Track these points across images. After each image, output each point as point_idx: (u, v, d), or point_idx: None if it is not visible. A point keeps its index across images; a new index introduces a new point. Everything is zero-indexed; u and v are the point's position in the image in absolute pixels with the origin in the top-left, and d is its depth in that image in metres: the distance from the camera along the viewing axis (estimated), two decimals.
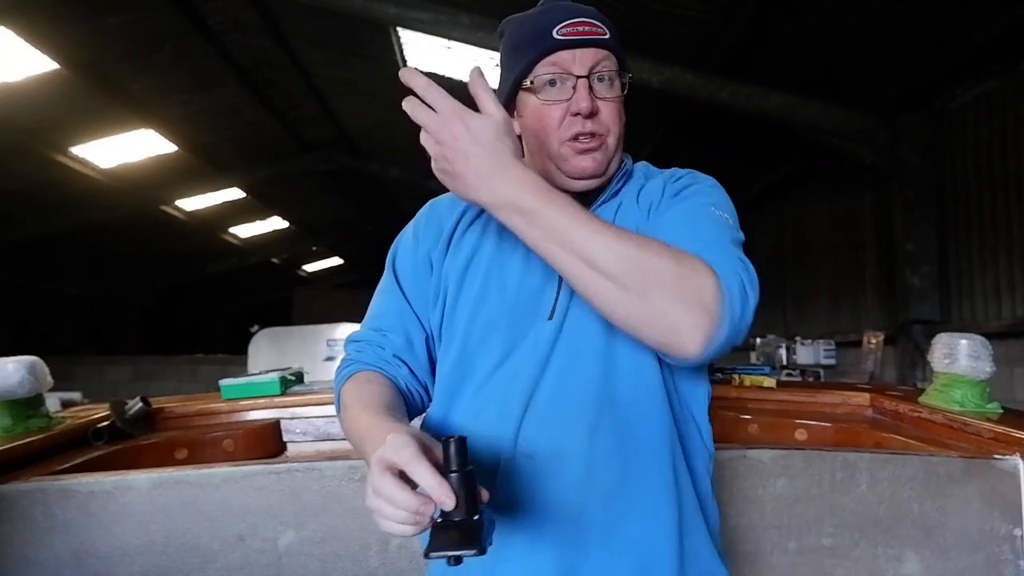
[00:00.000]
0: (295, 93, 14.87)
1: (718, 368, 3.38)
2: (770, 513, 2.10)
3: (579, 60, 1.51)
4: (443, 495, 1.06)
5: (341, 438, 2.65)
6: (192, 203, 18.99)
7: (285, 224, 23.94)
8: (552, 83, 1.53)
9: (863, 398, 2.88)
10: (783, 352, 11.99)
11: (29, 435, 2.34)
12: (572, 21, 1.52)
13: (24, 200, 15.41)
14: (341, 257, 31.32)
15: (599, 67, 1.52)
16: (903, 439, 2.38)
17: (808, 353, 11.71)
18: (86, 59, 11.16)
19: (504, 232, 1.53)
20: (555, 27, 1.52)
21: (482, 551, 1.07)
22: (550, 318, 1.48)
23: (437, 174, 1.31)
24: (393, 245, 1.76)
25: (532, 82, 1.55)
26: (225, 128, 15.33)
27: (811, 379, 10.38)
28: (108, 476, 2.05)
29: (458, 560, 1.07)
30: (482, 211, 1.60)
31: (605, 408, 1.44)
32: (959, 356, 2.43)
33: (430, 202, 1.78)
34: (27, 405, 2.43)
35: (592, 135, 1.52)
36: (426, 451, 1.13)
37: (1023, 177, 8.96)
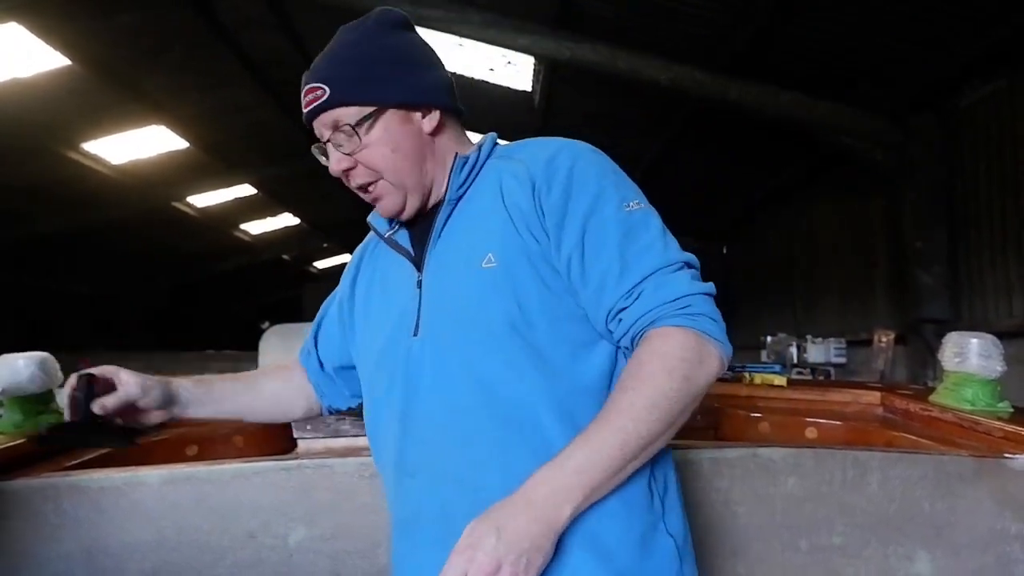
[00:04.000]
0: None
1: (729, 366, 3.38)
2: (780, 512, 2.10)
3: (321, 127, 1.56)
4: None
5: (352, 435, 2.66)
6: (203, 200, 19.05)
7: (296, 221, 23.99)
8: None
9: (874, 397, 2.87)
10: (794, 350, 12.02)
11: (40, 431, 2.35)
12: (303, 91, 1.56)
13: (36, 196, 15.45)
14: (351, 254, 31.30)
15: (338, 127, 1.53)
16: (914, 438, 2.38)
17: (819, 351, 11.73)
18: (98, 56, 11.19)
19: (386, 261, 1.69)
20: (302, 102, 1.57)
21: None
22: (415, 334, 1.50)
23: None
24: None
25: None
26: (237, 125, 15.35)
27: (822, 377, 10.40)
28: (119, 472, 2.06)
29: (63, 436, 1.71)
30: (378, 246, 1.78)
31: (480, 418, 1.42)
32: (970, 355, 2.43)
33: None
34: (38, 401, 2.44)
35: (365, 188, 1.60)
36: (106, 382, 1.62)
37: None
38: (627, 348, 1.44)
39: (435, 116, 1.59)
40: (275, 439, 2.85)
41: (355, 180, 1.59)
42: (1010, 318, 9.25)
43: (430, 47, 1.65)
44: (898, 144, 9.86)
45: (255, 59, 12.94)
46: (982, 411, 2.36)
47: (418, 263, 1.57)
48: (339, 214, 24.73)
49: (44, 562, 1.97)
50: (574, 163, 1.49)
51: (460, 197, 1.58)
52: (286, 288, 31.02)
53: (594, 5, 9.45)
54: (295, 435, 2.86)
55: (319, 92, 1.52)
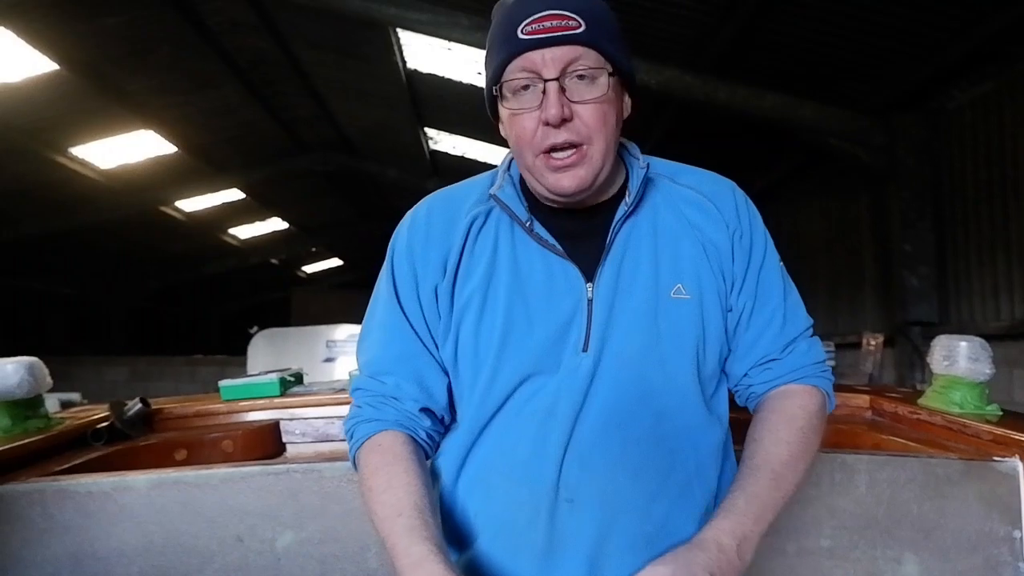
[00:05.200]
0: (293, 93, 14.87)
1: None
2: None
3: (549, 61, 1.34)
4: None
5: (340, 439, 2.64)
6: (191, 204, 19.00)
7: (284, 225, 23.97)
8: (523, 88, 1.38)
9: (862, 399, 2.87)
10: None
11: (28, 436, 2.33)
12: (539, 15, 1.33)
13: (23, 200, 15.40)
14: (339, 258, 31.32)
15: (573, 66, 1.35)
16: (902, 441, 2.38)
17: None
18: (85, 59, 11.15)
19: (517, 249, 1.48)
20: (520, 24, 1.34)
21: None
22: (584, 350, 1.40)
23: None
24: (389, 266, 1.59)
25: (501, 89, 1.41)
26: (223, 128, 15.33)
27: None
28: (107, 477, 2.05)
29: None
30: (487, 219, 1.52)
31: (650, 447, 1.41)
32: (958, 358, 2.43)
33: (422, 215, 1.60)
34: (26, 406, 2.43)
35: (569, 146, 1.37)
36: None
37: (1020, 177, 8.96)
38: (753, 393, 1.59)
39: (630, 104, 1.55)
40: (264, 443, 2.83)
41: (562, 135, 1.36)
42: (998, 320, 9.28)
43: None
44: (885, 145, 9.89)
45: (240, 62, 12.92)
46: (970, 414, 2.36)
47: (587, 272, 1.44)
48: (326, 218, 24.76)
49: (31, 566, 1.95)
50: (748, 207, 1.59)
51: (633, 212, 1.49)
52: (274, 292, 30.97)
53: None
54: (284, 439, 2.85)
55: (571, 22, 1.33)
